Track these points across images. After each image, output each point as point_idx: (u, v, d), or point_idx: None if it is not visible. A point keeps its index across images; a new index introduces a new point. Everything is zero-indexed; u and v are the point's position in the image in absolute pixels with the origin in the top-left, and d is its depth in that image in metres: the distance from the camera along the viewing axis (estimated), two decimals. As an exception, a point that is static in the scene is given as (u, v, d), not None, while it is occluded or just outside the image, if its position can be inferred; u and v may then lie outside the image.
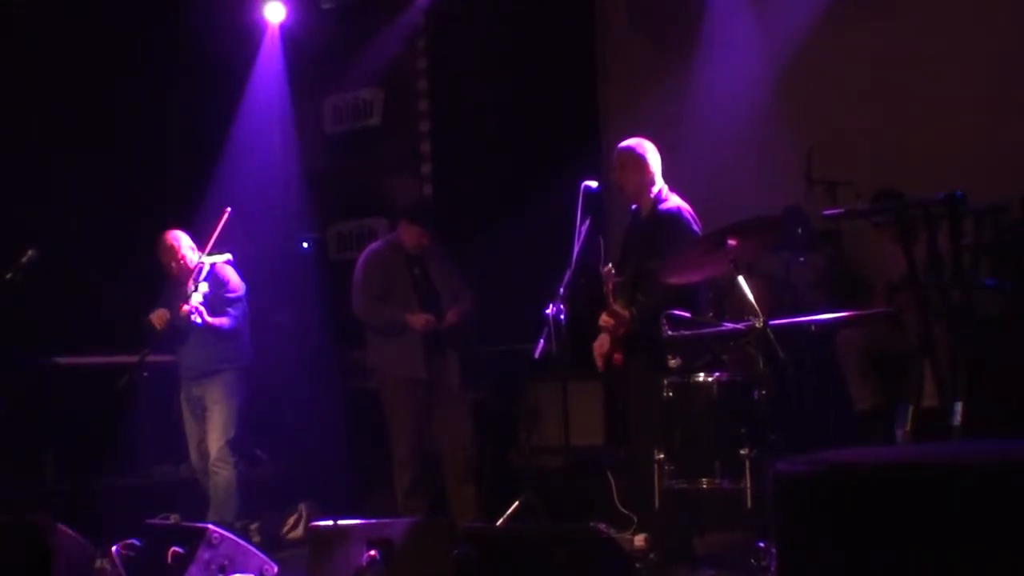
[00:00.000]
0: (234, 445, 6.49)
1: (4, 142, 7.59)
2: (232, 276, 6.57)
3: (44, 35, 7.84)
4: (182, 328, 6.45)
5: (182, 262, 6.52)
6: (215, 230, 6.30)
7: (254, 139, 8.43)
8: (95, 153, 7.89)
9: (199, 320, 6.24)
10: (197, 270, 6.36)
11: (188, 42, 8.10)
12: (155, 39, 8.14)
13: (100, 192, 7.88)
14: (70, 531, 4.95)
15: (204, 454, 6.55)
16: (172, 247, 6.57)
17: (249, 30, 8.56)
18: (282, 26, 8.64)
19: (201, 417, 6.56)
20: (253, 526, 6.63)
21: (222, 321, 6.42)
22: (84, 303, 7.85)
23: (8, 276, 6.36)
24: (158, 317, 6.40)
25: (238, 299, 6.57)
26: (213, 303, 6.37)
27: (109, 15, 7.94)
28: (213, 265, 6.41)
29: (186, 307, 6.23)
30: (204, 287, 6.29)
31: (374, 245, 6.75)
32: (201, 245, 6.47)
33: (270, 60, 8.61)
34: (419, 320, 6.27)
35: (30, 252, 6.40)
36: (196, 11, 8.00)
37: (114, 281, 7.84)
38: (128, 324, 7.05)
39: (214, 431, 6.48)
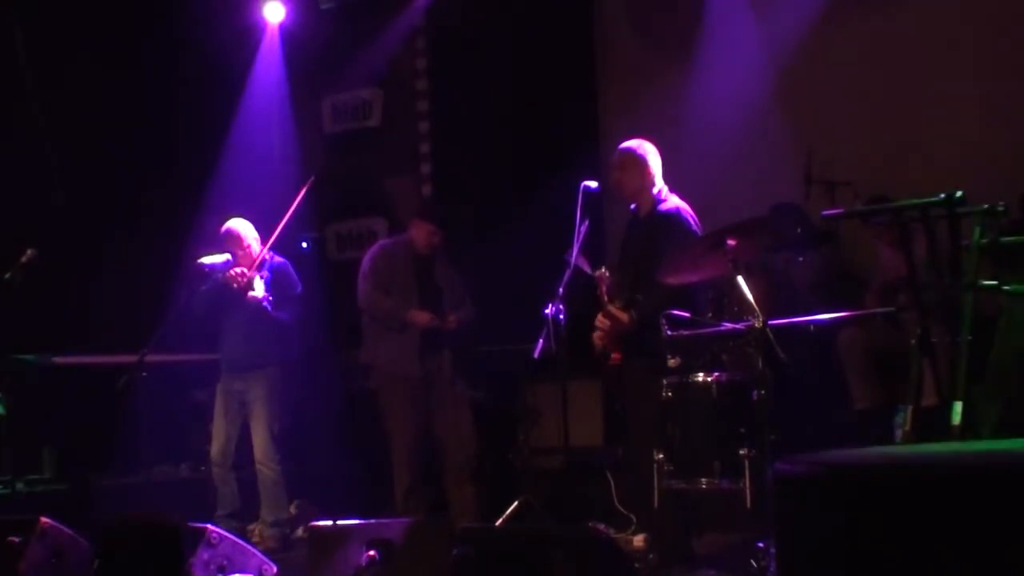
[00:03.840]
0: (279, 441, 6.54)
1: (4, 142, 7.59)
2: (293, 275, 6.65)
3: (44, 35, 7.85)
4: (226, 325, 6.54)
5: (247, 251, 6.56)
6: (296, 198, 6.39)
7: (254, 139, 8.43)
8: (94, 153, 7.90)
9: (265, 303, 6.33)
10: (260, 262, 6.44)
11: (188, 42, 8.11)
12: (155, 39, 8.15)
13: (99, 191, 7.89)
14: (70, 531, 4.95)
15: (227, 452, 6.57)
16: (237, 236, 6.60)
17: (249, 30, 8.56)
18: (282, 26, 8.64)
19: (237, 412, 6.57)
20: (251, 527, 6.64)
21: (283, 316, 6.49)
22: (83, 303, 7.85)
23: (8, 276, 6.37)
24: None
25: (297, 297, 6.64)
26: (277, 300, 6.45)
27: (109, 15, 7.94)
28: (275, 262, 6.53)
29: (253, 294, 6.31)
30: (261, 283, 6.40)
31: (385, 240, 6.83)
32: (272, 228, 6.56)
33: (270, 60, 8.61)
34: (423, 317, 6.29)
35: (30, 252, 6.41)
36: (196, 11, 8.00)
37: (114, 281, 7.85)
38: (128, 324, 7.06)
39: (259, 428, 6.50)
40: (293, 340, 6.67)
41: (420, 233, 6.43)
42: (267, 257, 6.55)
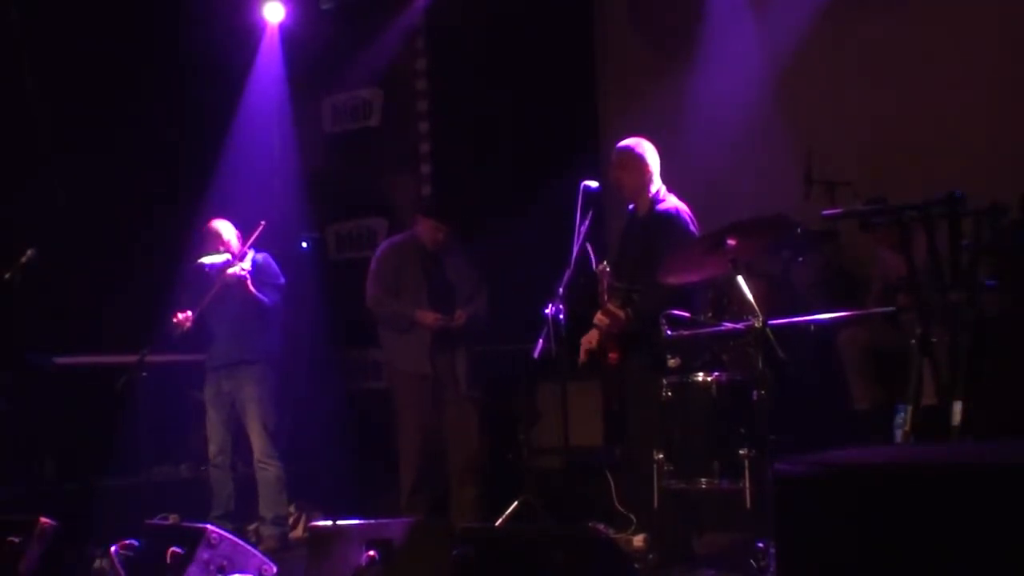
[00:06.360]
0: (275, 438, 6.53)
1: (4, 142, 7.59)
2: (275, 266, 6.64)
3: (44, 35, 7.84)
4: (211, 323, 6.51)
5: (228, 249, 6.56)
6: (248, 241, 6.41)
7: (254, 139, 8.43)
8: (94, 153, 7.89)
9: (246, 276, 6.31)
10: (240, 256, 6.44)
11: (187, 42, 8.10)
12: (154, 39, 8.14)
13: (100, 192, 7.89)
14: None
15: (226, 452, 6.57)
16: (218, 234, 6.60)
17: (249, 30, 8.56)
18: (281, 26, 8.63)
19: (230, 413, 6.57)
20: (251, 526, 6.64)
21: (264, 297, 6.46)
22: (84, 303, 7.85)
23: (8, 276, 6.37)
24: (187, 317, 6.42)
25: (279, 286, 6.62)
26: (256, 286, 6.42)
27: (109, 15, 7.94)
28: (256, 257, 6.49)
29: (231, 271, 6.29)
30: (247, 264, 6.39)
31: (393, 238, 6.84)
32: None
33: (269, 60, 8.60)
34: (428, 317, 6.30)
35: (30, 252, 6.41)
36: (196, 11, 8.00)
37: (114, 281, 7.85)
38: (128, 324, 7.05)
39: (254, 427, 6.50)
40: (277, 336, 6.67)
41: (425, 229, 6.44)
42: (248, 252, 6.51)
